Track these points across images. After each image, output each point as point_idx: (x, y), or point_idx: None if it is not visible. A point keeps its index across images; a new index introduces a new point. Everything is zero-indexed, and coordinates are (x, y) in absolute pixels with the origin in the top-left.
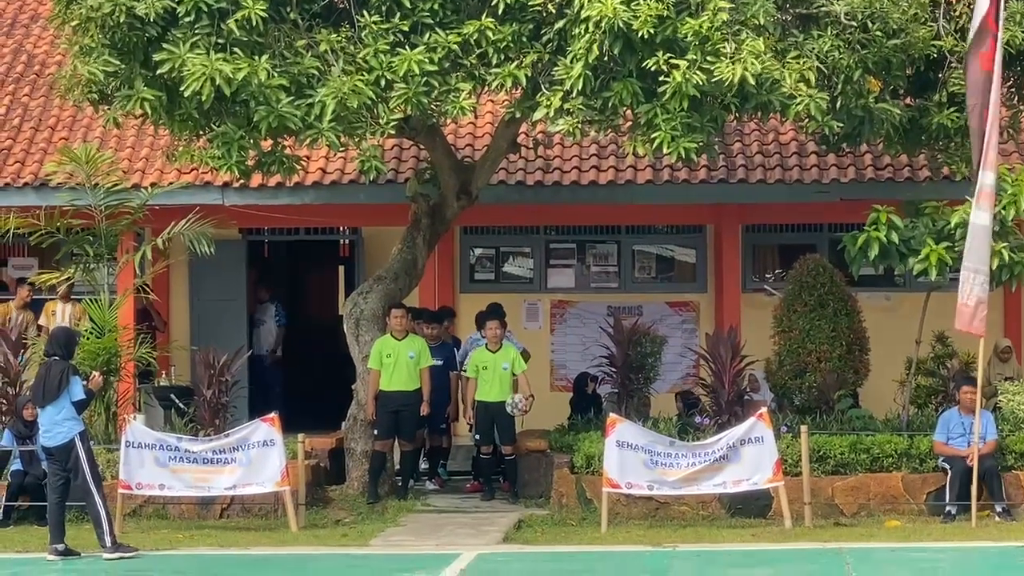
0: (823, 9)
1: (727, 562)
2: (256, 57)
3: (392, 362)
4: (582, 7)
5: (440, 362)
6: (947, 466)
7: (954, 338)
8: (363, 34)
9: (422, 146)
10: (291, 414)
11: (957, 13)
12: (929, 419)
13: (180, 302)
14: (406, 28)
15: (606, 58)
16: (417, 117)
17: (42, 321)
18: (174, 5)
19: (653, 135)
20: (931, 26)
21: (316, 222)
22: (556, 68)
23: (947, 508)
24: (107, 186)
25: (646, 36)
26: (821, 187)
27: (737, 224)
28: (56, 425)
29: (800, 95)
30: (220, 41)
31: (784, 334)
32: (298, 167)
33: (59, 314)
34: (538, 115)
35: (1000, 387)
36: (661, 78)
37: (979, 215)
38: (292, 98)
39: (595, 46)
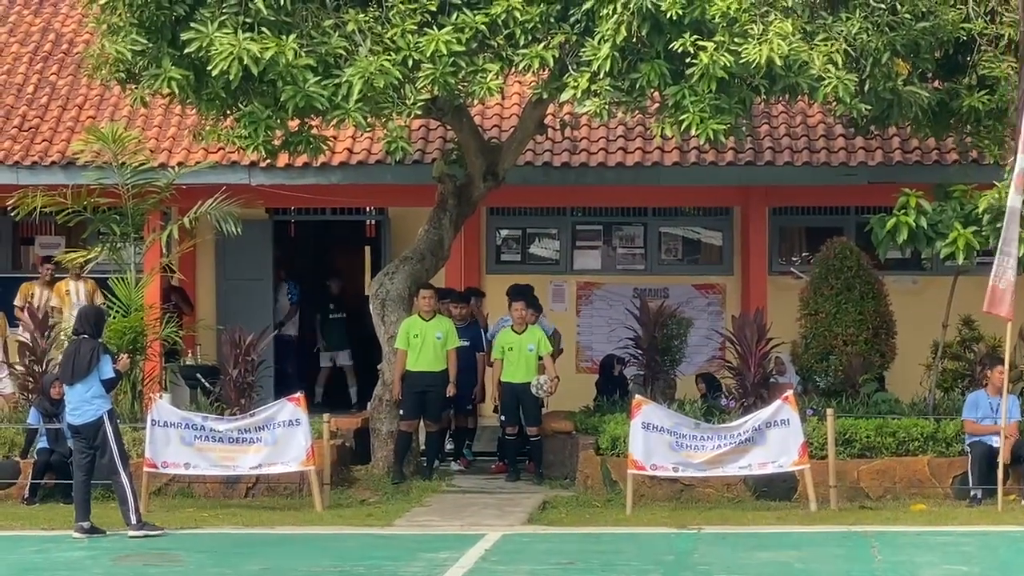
0: None
1: (752, 544)
2: (283, 37)
3: (419, 342)
4: None
5: (467, 343)
6: (968, 450)
7: (981, 322)
8: (390, 14)
9: (449, 127)
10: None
11: None
12: (956, 403)
13: (206, 281)
14: (434, 8)
15: (634, 39)
16: (444, 98)
17: (54, 302)
18: None
19: (681, 117)
20: (960, 9)
21: (342, 202)
22: (584, 49)
23: (972, 492)
24: (134, 165)
25: (674, 17)
26: (849, 170)
27: (764, 206)
28: (85, 403)
29: (828, 77)
30: (248, 20)
31: (810, 317)
32: (325, 147)
33: (73, 293)
34: (565, 96)
35: None
36: (689, 60)
37: (1014, 198)
38: (319, 78)
39: (623, 27)
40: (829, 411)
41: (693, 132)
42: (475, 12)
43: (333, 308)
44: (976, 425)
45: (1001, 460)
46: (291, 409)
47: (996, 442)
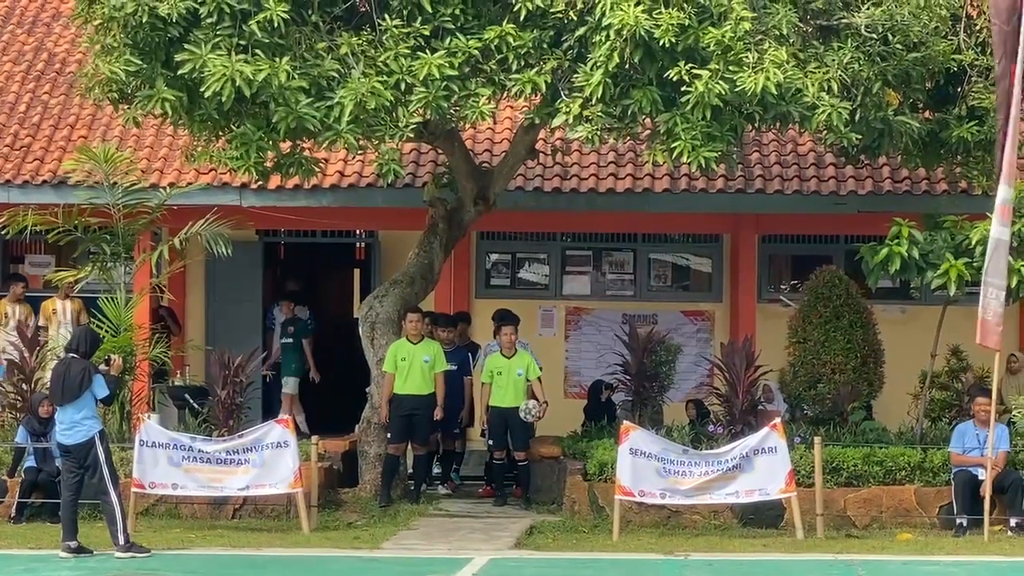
0: (844, 21)
1: (738, 572)
2: (277, 59)
3: (407, 366)
4: (603, 15)
5: (455, 366)
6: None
7: (969, 352)
8: (384, 37)
9: (440, 150)
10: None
11: (978, 27)
12: (943, 432)
13: (196, 302)
14: (427, 32)
15: (626, 66)
16: (436, 121)
17: (41, 321)
18: (196, 6)
19: (673, 144)
20: (951, 40)
21: (333, 224)
22: (576, 75)
23: (958, 521)
24: (125, 185)
25: (667, 45)
26: (838, 199)
27: (753, 234)
28: (76, 424)
29: (822, 105)
30: (241, 42)
31: (799, 345)
32: (316, 169)
33: (59, 312)
34: (557, 121)
35: (1014, 402)
36: (683, 88)
37: (999, 229)
38: (311, 100)
39: (616, 54)
40: (816, 439)
41: (684, 159)
42: (468, 37)
43: (282, 332)
44: (962, 457)
45: (986, 493)
46: (279, 431)
47: (982, 474)
